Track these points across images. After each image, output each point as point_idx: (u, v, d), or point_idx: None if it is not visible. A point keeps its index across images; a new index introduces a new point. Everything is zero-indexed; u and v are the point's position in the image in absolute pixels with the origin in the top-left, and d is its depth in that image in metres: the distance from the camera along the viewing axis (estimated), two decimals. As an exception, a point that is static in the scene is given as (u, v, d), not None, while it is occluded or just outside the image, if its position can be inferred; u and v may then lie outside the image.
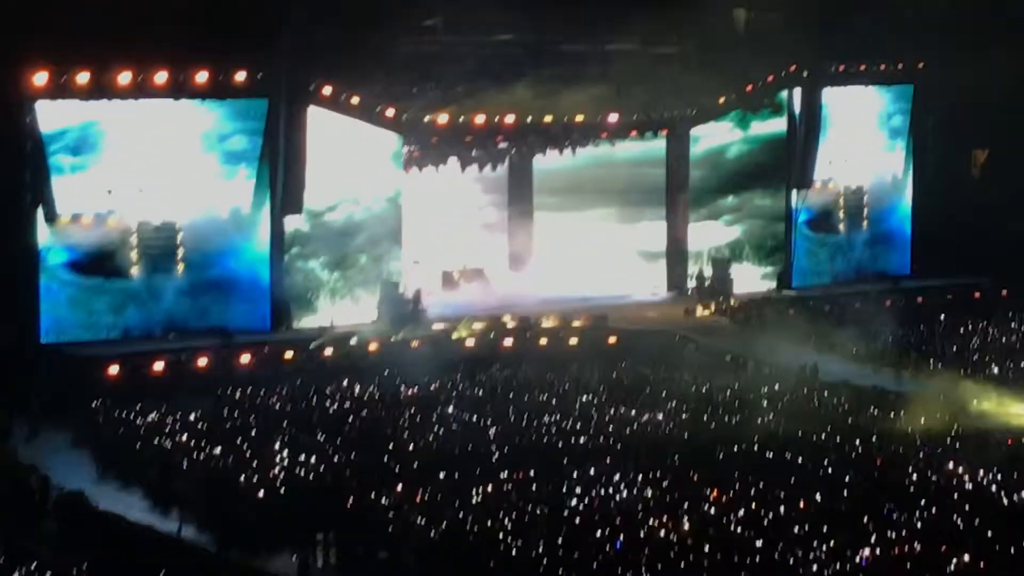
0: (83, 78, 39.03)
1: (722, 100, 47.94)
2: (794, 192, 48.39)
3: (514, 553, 25.63)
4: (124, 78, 39.51)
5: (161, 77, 39.93)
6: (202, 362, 38.91)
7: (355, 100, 42.62)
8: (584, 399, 36.43)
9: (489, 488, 29.02)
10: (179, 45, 39.17)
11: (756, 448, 31.99)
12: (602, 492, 28.87)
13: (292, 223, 42.43)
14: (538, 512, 27.57)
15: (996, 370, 39.24)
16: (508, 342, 42.09)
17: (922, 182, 50.74)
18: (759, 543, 25.69)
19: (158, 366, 38.48)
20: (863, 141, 50.07)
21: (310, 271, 43.13)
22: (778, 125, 48.32)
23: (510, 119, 45.70)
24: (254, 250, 42.17)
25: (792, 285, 48.51)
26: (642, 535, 26.39)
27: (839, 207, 49.97)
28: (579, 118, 46.58)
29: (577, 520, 27.12)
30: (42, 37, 37.73)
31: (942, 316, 45.27)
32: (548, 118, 46.27)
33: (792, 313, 44.68)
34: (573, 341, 42.34)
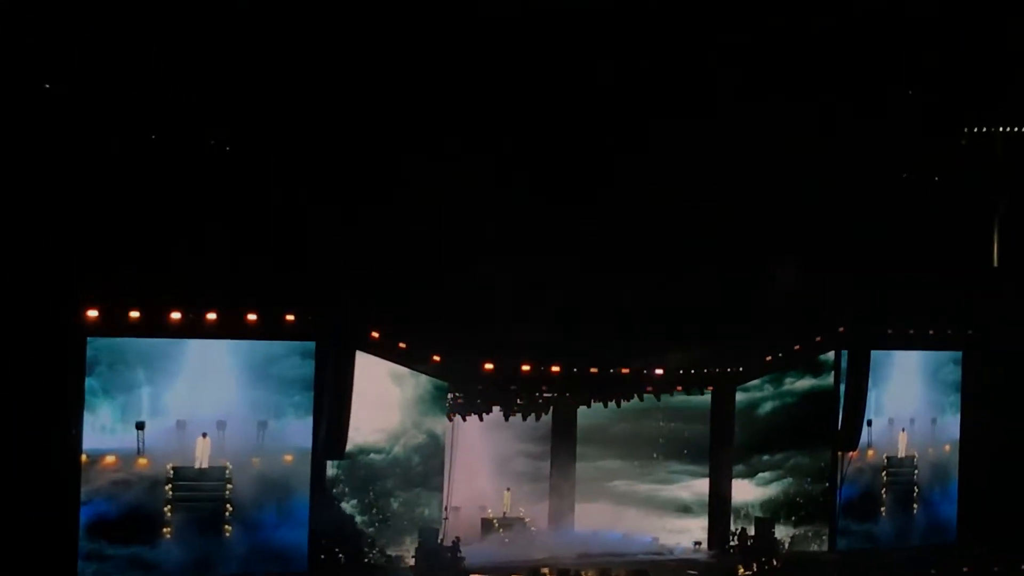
0: (134, 316, 38.48)
1: (769, 359, 47.91)
2: (840, 456, 47.68)
3: None
4: (174, 317, 38.96)
5: (210, 318, 39.48)
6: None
7: (402, 346, 42.79)
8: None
9: None
10: (229, 286, 39.63)
11: None
12: None
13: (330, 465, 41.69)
14: None
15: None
16: (547, 594, 41.66)
17: (971, 447, 50.14)
18: None
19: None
20: (910, 402, 49.56)
21: (344, 514, 42.20)
22: (814, 382, 48.04)
23: (556, 368, 45.83)
24: (301, 495, 40.57)
25: (837, 547, 47.68)
26: None
27: (882, 482, 49.06)
28: (625, 371, 46.66)
29: None
30: (95, 274, 38.27)
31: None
32: (594, 369, 46.40)
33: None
34: (613, 596, 41.83)
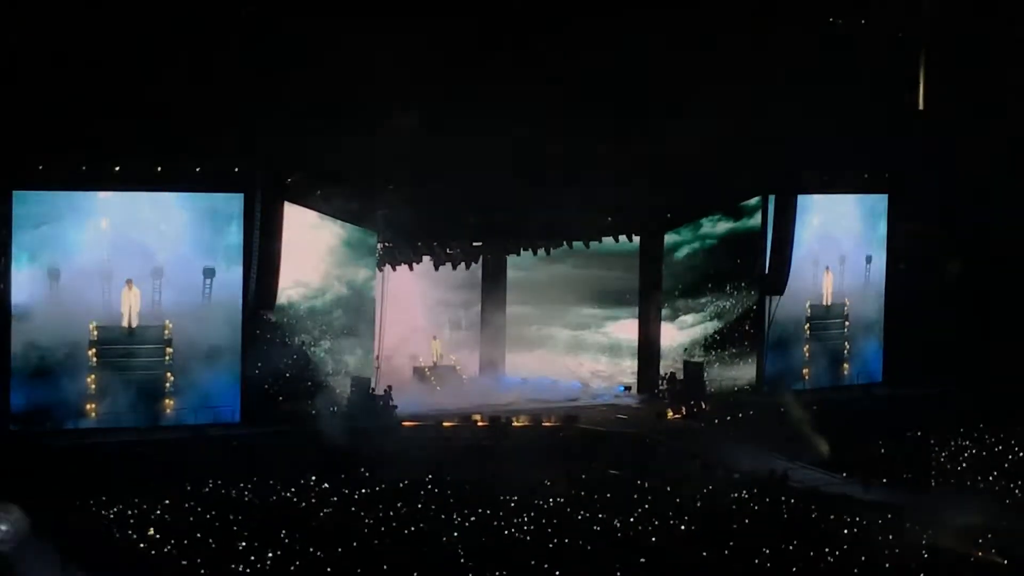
0: (59, 168, 37.53)
1: (697, 205, 48.04)
2: (767, 298, 47.84)
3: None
4: (99, 169, 37.95)
5: (137, 169, 38.55)
6: (171, 454, 38.18)
7: (330, 196, 42.51)
8: (553, 500, 36.26)
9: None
10: (156, 138, 39.04)
11: (724, 554, 31.95)
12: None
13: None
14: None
15: (965, 481, 39.22)
16: (478, 441, 41.90)
17: (895, 290, 50.60)
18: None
19: (126, 457, 37.69)
20: (836, 248, 49.75)
21: (276, 364, 41.42)
22: (732, 226, 48.10)
23: (485, 218, 45.84)
24: (233, 346, 39.16)
25: (764, 389, 48.12)
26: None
27: (805, 337, 49.14)
28: (553, 219, 46.72)
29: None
30: (21, 127, 37.58)
31: (912, 425, 45.17)
32: (523, 218, 46.46)
33: (763, 418, 44.55)
34: (543, 441, 42.12)
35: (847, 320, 49.93)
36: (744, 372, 48.23)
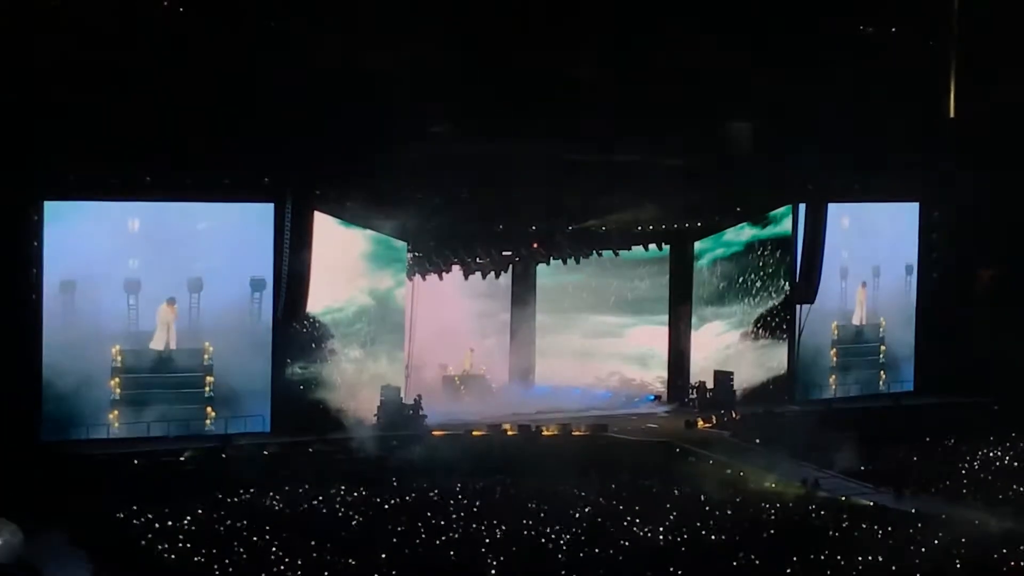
0: (88, 178, 37.38)
1: (727, 214, 47.93)
2: (797, 307, 47.66)
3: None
4: (129, 178, 37.63)
5: (167, 178, 38.32)
6: (201, 463, 38.24)
7: (360, 206, 42.53)
8: (583, 510, 36.19)
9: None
10: (186, 148, 39.13)
11: (755, 563, 31.86)
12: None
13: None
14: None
15: (996, 491, 39.00)
16: (507, 450, 41.86)
17: (927, 299, 50.35)
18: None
19: (157, 467, 37.87)
20: (868, 257, 49.51)
21: (305, 374, 41.18)
22: (764, 234, 47.98)
23: (515, 227, 45.82)
24: (263, 358, 37.84)
25: (795, 399, 47.97)
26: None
27: (831, 364, 48.94)
28: (584, 228, 46.66)
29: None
30: (51, 137, 37.75)
31: (943, 435, 44.96)
32: (553, 227, 46.45)
33: (794, 427, 44.42)
34: (573, 450, 42.06)
35: (883, 344, 49.59)
36: (773, 380, 48.06)
